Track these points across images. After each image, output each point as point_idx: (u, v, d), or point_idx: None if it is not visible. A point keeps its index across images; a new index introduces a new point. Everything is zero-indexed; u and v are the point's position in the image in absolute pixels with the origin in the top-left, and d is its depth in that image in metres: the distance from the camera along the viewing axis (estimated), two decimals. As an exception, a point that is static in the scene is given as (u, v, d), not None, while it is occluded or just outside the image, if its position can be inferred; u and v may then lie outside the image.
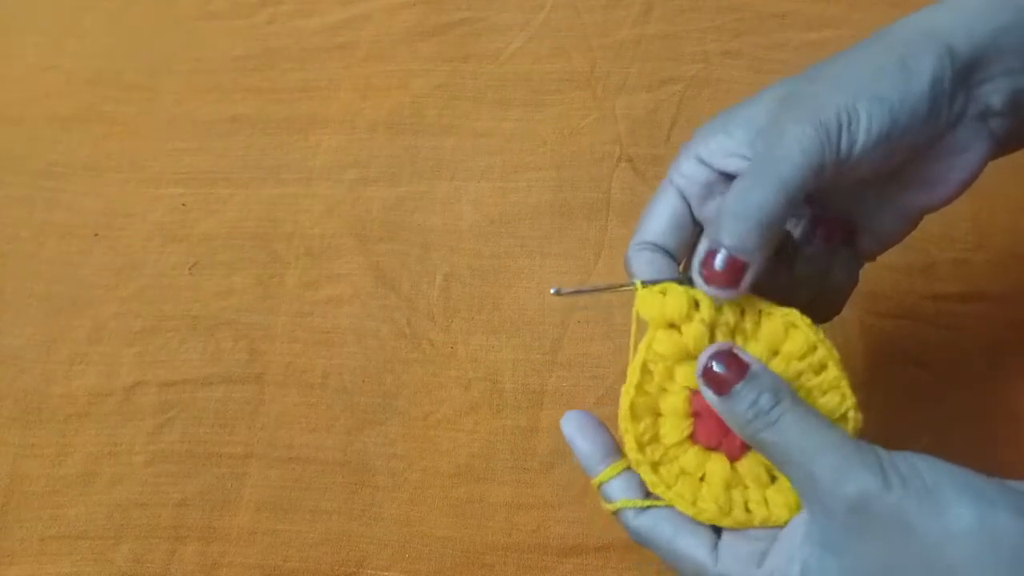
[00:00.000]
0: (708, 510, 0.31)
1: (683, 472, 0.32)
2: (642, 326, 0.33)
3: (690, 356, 0.32)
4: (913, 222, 0.36)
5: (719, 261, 0.30)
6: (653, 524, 0.32)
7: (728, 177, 0.33)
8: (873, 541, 0.27)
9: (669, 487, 0.32)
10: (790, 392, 0.29)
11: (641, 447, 0.32)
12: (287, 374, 0.50)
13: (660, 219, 0.35)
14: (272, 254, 0.54)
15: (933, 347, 0.48)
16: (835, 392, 0.32)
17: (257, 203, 0.56)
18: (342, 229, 0.55)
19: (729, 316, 0.32)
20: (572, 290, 0.34)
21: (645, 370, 0.32)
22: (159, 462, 0.48)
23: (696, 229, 0.35)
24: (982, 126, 0.32)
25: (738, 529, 0.31)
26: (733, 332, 0.32)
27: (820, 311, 0.35)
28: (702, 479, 0.32)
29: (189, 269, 0.54)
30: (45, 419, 0.49)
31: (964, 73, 0.31)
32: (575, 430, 0.33)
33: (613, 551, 0.44)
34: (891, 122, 0.30)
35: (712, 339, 0.32)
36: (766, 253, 0.30)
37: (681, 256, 0.35)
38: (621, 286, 0.33)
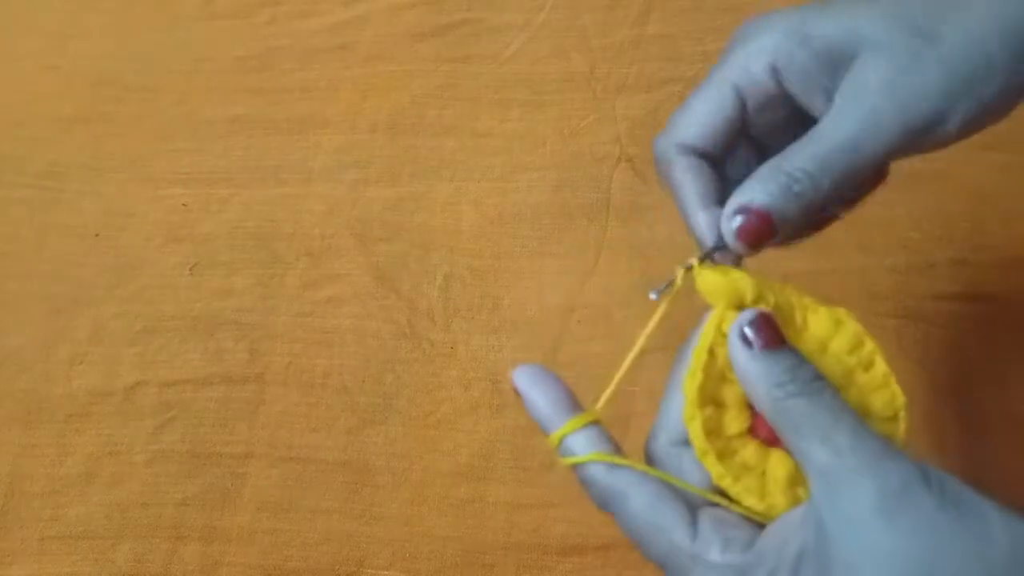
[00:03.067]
0: (779, 505, 0.28)
1: (745, 467, 0.29)
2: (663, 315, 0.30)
3: None
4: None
5: (752, 218, 0.29)
6: (628, 485, 0.28)
7: (789, 99, 0.31)
8: (900, 535, 0.24)
9: (737, 479, 0.29)
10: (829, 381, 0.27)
11: (708, 435, 0.29)
12: (287, 374, 0.50)
13: (710, 119, 0.31)
14: (272, 254, 0.54)
15: (933, 347, 0.48)
16: (885, 390, 0.30)
17: (257, 203, 0.56)
18: (342, 229, 0.55)
19: (782, 309, 0.30)
20: (664, 286, 0.31)
21: (711, 353, 0.30)
22: (159, 462, 0.48)
23: (739, 134, 0.32)
24: None
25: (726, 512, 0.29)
26: (785, 325, 0.30)
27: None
28: (763, 475, 0.29)
29: (189, 269, 0.54)
30: (45, 419, 0.49)
31: None
32: (530, 384, 0.30)
33: (613, 551, 0.44)
34: (976, 118, 0.29)
35: None
36: (806, 218, 0.30)
37: (721, 161, 0.32)
38: (687, 270, 0.31)
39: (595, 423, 0.30)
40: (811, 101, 0.31)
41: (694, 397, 0.29)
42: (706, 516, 0.28)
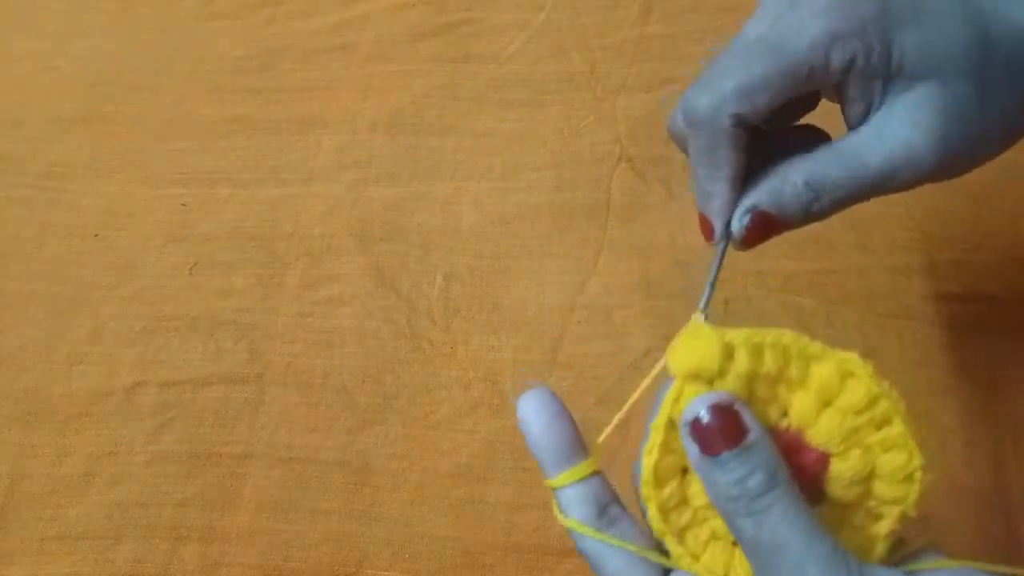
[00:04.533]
0: None
1: (714, 536, 0.28)
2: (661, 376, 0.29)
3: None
4: None
5: (762, 223, 0.29)
6: (602, 552, 0.28)
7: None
8: None
9: (697, 558, 0.28)
10: (788, 480, 0.25)
11: (666, 515, 0.28)
12: (287, 374, 0.50)
13: (774, 91, 0.29)
14: (272, 254, 0.54)
15: (933, 347, 0.48)
16: (900, 450, 0.27)
17: (257, 203, 0.56)
18: (342, 229, 0.55)
19: (771, 363, 0.27)
20: (707, 297, 0.30)
21: (670, 427, 0.28)
22: (159, 462, 0.48)
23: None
24: None
25: None
26: (776, 382, 0.28)
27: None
28: (735, 543, 0.28)
29: (189, 269, 0.54)
30: (45, 419, 0.49)
31: None
32: (533, 415, 0.29)
33: (613, 551, 0.44)
34: (999, 141, 0.29)
35: (751, 394, 0.28)
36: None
37: (758, 129, 0.30)
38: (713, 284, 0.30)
39: (593, 473, 0.29)
40: (850, 102, 0.30)
41: (650, 477, 0.28)
42: None
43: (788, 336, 0.28)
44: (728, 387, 0.27)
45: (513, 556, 0.45)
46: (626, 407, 0.30)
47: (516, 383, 0.49)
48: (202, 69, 0.62)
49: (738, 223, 0.29)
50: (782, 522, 0.24)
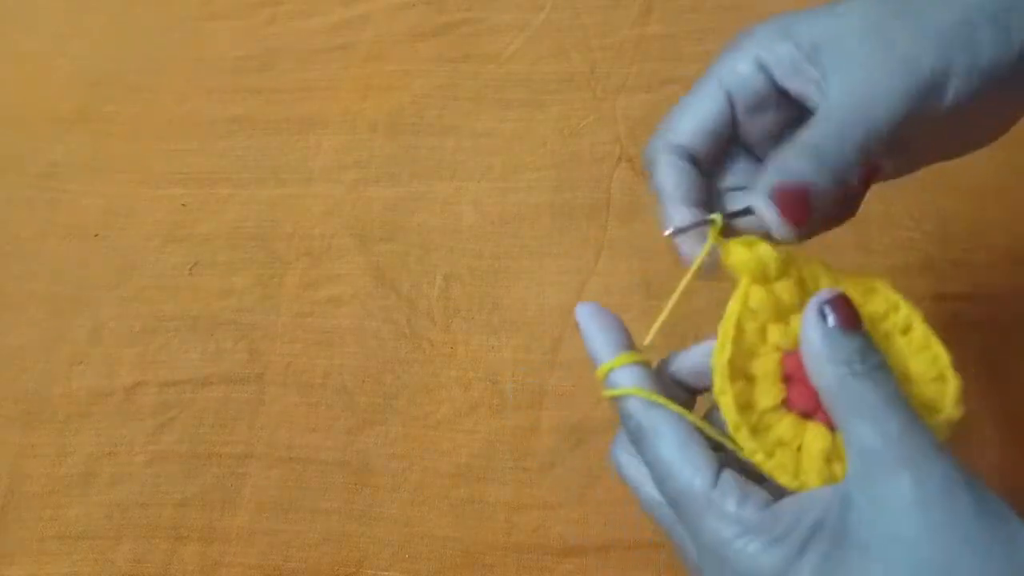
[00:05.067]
0: (812, 484, 0.28)
1: (780, 442, 0.29)
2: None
3: (783, 315, 0.30)
4: (921, 164, 0.34)
5: (790, 194, 0.29)
6: (663, 422, 0.28)
7: (783, 94, 0.31)
8: (929, 531, 0.24)
9: (770, 455, 0.28)
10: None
11: (741, 410, 0.29)
12: (287, 374, 0.50)
13: (697, 119, 0.31)
14: (272, 254, 0.54)
15: (933, 347, 0.48)
16: (927, 352, 0.29)
17: (257, 203, 0.56)
18: (342, 229, 0.55)
19: (809, 276, 0.30)
20: (678, 229, 0.30)
21: (739, 327, 0.29)
22: (159, 462, 0.48)
23: (729, 139, 0.32)
24: None
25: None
26: (808, 296, 0.29)
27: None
28: (799, 450, 0.29)
29: (189, 269, 0.54)
30: (45, 419, 0.49)
31: None
32: (589, 318, 0.31)
33: (613, 551, 0.44)
34: (979, 88, 0.29)
35: (802, 300, 0.29)
36: (835, 198, 0.30)
37: (707, 167, 0.32)
38: (705, 222, 0.30)
39: (643, 363, 0.30)
40: (804, 91, 0.31)
41: (724, 371, 0.29)
42: (730, 472, 0.28)
43: (818, 261, 0.30)
44: (788, 288, 0.30)
45: (513, 556, 0.45)
46: (669, 306, 0.30)
47: (516, 383, 0.49)
48: (202, 69, 0.62)
49: (764, 204, 0.29)
50: (897, 389, 0.26)
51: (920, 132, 0.30)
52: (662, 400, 0.29)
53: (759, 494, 0.27)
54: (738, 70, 0.31)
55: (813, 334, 0.27)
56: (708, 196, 0.32)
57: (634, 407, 0.29)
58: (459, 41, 0.62)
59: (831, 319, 0.27)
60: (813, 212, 0.29)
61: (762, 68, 0.31)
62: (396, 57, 0.62)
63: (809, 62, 0.30)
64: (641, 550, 0.44)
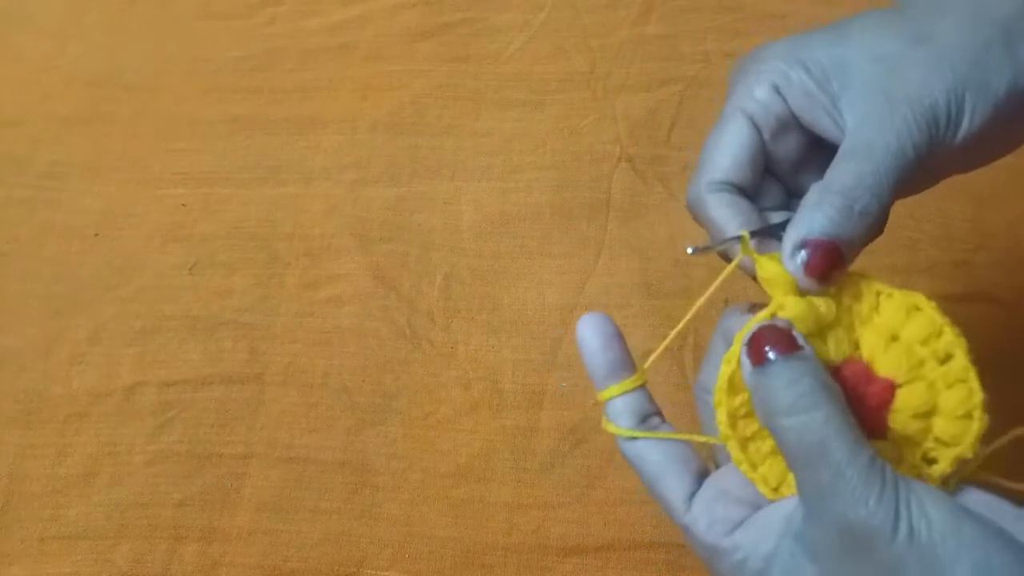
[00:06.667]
0: (786, 494, 0.28)
1: (774, 452, 0.29)
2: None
3: (821, 330, 0.29)
4: (939, 180, 0.34)
5: (818, 250, 0.28)
6: (641, 454, 0.30)
7: (795, 120, 0.31)
8: (855, 570, 0.25)
9: (755, 467, 0.29)
10: (837, 392, 0.26)
11: (734, 422, 0.29)
12: (287, 374, 0.50)
13: (731, 152, 0.31)
14: (272, 254, 0.54)
15: (933, 347, 0.48)
16: (962, 386, 0.28)
17: (257, 203, 0.56)
18: (342, 229, 0.55)
19: (845, 297, 0.30)
20: (703, 247, 0.30)
21: None
22: (159, 462, 0.48)
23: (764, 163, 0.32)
24: None
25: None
26: (849, 313, 0.30)
27: None
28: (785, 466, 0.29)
29: (189, 269, 0.54)
30: (45, 419, 0.49)
31: None
32: (590, 334, 0.31)
33: (613, 551, 0.44)
34: (993, 117, 0.29)
35: (836, 320, 0.29)
36: (866, 242, 0.29)
37: (754, 194, 0.32)
38: (732, 239, 0.30)
39: (639, 388, 0.31)
40: (817, 121, 0.31)
41: (724, 384, 0.29)
42: (707, 488, 0.29)
43: (859, 274, 0.30)
44: (822, 305, 0.29)
45: (513, 556, 0.45)
46: (673, 334, 0.32)
47: (516, 383, 0.49)
48: (202, 69, 0.62)
49: (791, 263, 0.29)
50: (827, 425, 0.25)
51: (935, 160, 0.30)
52: (639, 434, 0.30)
53: (730, 513, 0.28)
54: (756, 96, 0.31)
55: (745, 374, 0.28)
56: (762, 220, 0.32)
57: (620, 439, 0.31)
58: (459, 41, 0.62)
59: (751, 358, 0.27)
60: (844, 265, 0.29)
61: (778, 92, 0.31)
62: (396, 57, 0.62)
63: (821, 90, 0.30)
64: (641, 550, 0.44)
